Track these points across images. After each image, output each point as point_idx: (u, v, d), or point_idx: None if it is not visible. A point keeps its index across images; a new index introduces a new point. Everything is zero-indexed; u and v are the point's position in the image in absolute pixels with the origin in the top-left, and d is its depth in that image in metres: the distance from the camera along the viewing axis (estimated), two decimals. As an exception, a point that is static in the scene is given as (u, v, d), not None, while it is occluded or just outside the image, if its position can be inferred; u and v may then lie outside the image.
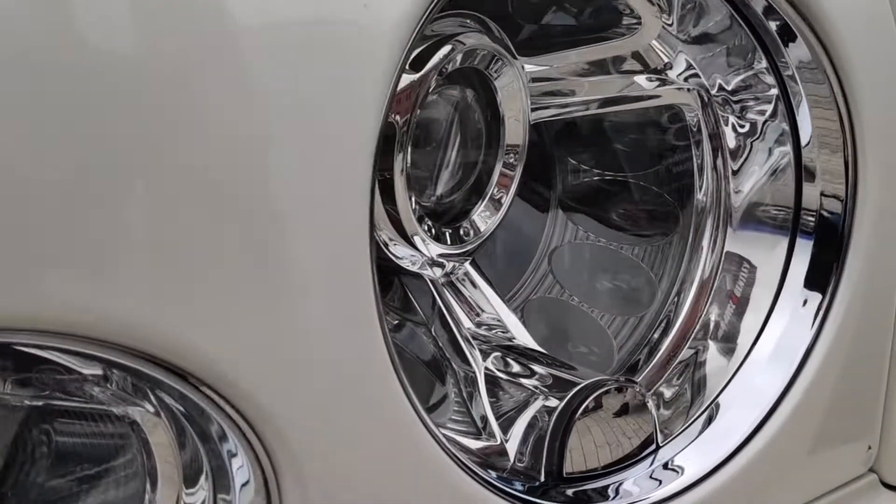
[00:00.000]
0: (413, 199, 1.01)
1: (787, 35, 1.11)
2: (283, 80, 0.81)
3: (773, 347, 1.16)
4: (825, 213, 1.16)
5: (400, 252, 1.05)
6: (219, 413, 0.81)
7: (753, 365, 1.16)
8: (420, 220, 1.02)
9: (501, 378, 1.12)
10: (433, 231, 1.04)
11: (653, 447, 1.12)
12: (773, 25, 1.11)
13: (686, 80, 1.18)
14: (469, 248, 1.08)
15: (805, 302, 1.16)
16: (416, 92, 0.99)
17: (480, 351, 1.11)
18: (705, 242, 1.21)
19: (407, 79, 0.99)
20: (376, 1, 0.86)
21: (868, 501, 1.25)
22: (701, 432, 1.15)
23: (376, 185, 0.97)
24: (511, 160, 1.10)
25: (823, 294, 1.16)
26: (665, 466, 1.12)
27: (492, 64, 1.04)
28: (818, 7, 1.08)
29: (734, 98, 1.19)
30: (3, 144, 0.73)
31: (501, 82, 1.06)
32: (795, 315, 1.16)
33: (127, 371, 0.80)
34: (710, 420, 1.15)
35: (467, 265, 1.13)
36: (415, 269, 1.07)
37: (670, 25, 1.16)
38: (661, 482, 1.11)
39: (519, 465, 1.08)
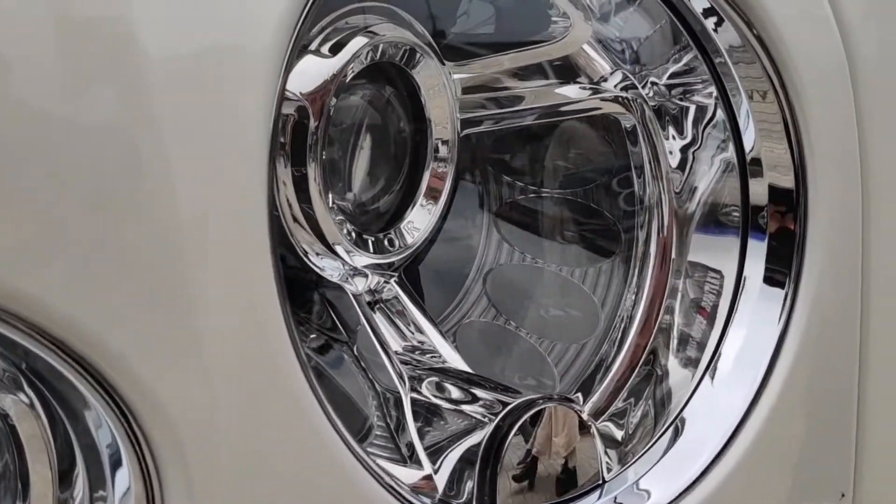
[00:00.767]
0: (331, 199, 0.95)
1: (715, 19, 1.06)
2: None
3: (737, 353, 1.09)
4: (776, 207, 1.10)
5: (320, 261, 0.97)
6: (103, 405, 0.73)
7: (716, 374, 1.09)
8: (341, 225, 0.96)
9: (439, 404, 1.04)
10: (353, 236, 0.97)
11: (598, 481, 1.04)
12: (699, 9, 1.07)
13: (624, 89, 1.13)
14: (393, 258, 1.01)
15: (766, 302, 1.09)
16: (329, 85, 0.93)
17: (411, 376, 1.03)
18: (653, 253, 1.15)
19: (320, 69, 0.94)
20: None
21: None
22: (666, 451, 1.07)
23: (292, 188, 0.93)
24: (440, 168, 1.03)
25: (785, 292, 1.09)
26: (632, 490, 1.04)
27: (413, 60, 0.99)
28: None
29: (672, 91, 1.13)
30: None
31: (425, 81, 1.01)
32: (756, 317, 1.09)
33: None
34: (675, 436, 1.08)
35: (395, 285, 1.05)
36: (335, 279, 0.99)
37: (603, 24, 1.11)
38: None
39: (450, 496, 0.99)
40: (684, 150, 1.14)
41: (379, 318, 1.04)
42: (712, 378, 1.11)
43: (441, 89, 1.02)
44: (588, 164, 1.18)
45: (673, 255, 1.14)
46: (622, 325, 1.15)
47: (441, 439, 1.02)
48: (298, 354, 0.83)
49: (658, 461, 1.06)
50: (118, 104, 0.77)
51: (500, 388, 1.04)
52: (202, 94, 0.80)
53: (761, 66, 1.06)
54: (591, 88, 1.12)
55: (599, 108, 1.13)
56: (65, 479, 0.79)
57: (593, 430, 1.03)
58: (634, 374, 1.13)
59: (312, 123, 0.93)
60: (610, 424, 1.11)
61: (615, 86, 1.13)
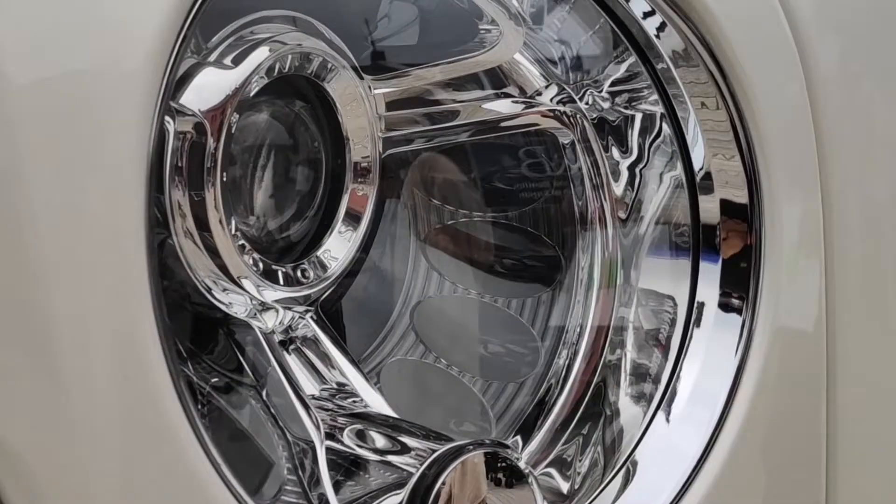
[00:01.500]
0: (234, 227, 0.85)
1: (657, 23, 0.98)
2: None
3: (692, 388, 0.99)
4: (730, 225, 1.01)
5: (226, 297, 0.87)
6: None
7: (671, 411, 1.00)
8: (247, 256, 0.86)
9: (362, 455, 0.93)
10: (261, 267, 0.87)
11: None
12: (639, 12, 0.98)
13: (561, 103, 1.04)
14: (308, 291, 0.91)
15: (723, 330, 1.00)
16: (230, 100, 0.84)
17: (331, 423, 0.93)
18: (597, 280, 1.05)
19: (220, 84, 0.84)
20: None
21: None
22: (616, 499, 0.97)
23: (190, 216, 0.83)
24: (360, 191, 0.94)
25: (742, 318, 1.00)
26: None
27: (325, 72, 0.90)
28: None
29: (616, 99, 1.04)
30: None
31: (340, 96, 0.91)
32: (712, 347, 1.00)
33: None
34: (626, 481, 0.98)
35: (311, 321, 0.95)
36: (242, 315, 0.89)
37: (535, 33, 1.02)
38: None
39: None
40: (631, 167, 1.05)
41: (292, 359, 0.93)
42: (667, 415, 1.01)
43: (359, 104, 0.93)
44: (525, 185, 1.08)
45: (620, 281, 1.05)
46: (565, 361, 1.05)
47: (362, 494, 0.92)
48: (186, 410, 0.73)
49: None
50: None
51: (433, 436, 0.94)
52: (61, 121, 0.71)
53: (707, 71, 0.98)
54: (524, 103, 1.03)
55: (537, 124, 1.04)
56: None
57: (531, 479, 0.93)
58: (580, 415, 1.03)
59: (211, 143, 0.83)
60: (554, 473, 1.01)
61: (551, 99, 1.03)
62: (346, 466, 0.94)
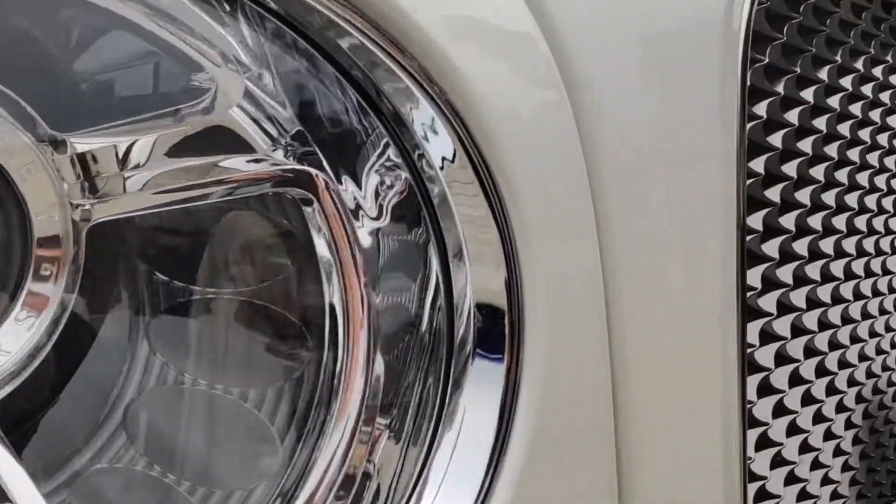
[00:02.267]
0: None
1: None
2: None
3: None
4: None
5: None
6: None
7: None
8: None
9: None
10: None
11: None
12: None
13: (300, 159, 0.89)
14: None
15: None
16: None
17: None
18: (345, 368, 0.91)
19: None
20: None
21: None
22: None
23: None
24: (46, 270, 0.79)
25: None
26: None
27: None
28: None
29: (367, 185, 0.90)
30: None
31: (7, 160, 0.77)
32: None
33: None
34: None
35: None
36: None
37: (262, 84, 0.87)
38: None
39: None
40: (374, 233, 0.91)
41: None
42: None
43: (37, 167, 0.79)
44: (264, 256, 0.94)
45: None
46: (307, 462, 0.91)
47: None
48: None
49: None
50: None
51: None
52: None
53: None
54: (256, 161, 0.89)
55: (269, 185, 0.89)
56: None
57: None
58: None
59: None
60: None
61: (286, 155, 0.90)
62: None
